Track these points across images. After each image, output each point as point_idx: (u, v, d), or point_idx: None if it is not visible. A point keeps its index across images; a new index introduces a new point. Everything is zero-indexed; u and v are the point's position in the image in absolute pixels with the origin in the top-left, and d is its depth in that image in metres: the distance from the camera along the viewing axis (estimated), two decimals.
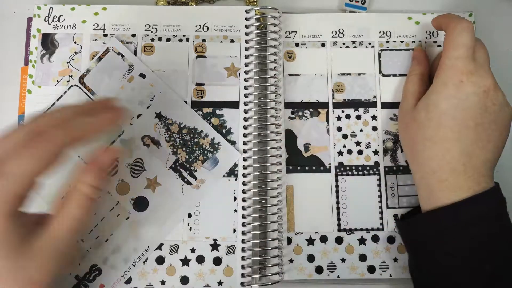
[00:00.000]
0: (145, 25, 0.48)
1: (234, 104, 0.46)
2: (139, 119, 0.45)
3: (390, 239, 0.44)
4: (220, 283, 0.43)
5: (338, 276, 0.44)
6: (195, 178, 0.45)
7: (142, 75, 0.46)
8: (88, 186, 0.32)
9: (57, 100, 0.45)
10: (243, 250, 0.44)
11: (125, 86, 0.46)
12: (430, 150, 0.38)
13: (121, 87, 0.46)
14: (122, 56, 0.46)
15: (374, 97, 0.47)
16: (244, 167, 0.45)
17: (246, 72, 0.47)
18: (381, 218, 0.45)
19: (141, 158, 0.45)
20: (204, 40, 0.47)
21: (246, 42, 0.47)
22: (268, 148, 0.45)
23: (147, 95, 0.46)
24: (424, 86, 0.42)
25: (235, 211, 0.44)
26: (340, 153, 0.46)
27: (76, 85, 0.46)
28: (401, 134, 0.44)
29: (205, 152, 0.45)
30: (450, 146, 0.36)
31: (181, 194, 0.44)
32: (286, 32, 0.48)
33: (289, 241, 0.44)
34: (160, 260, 0.43)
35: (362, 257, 0.44)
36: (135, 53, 0.47)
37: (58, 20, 0.47)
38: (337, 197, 0.45)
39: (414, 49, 0.46)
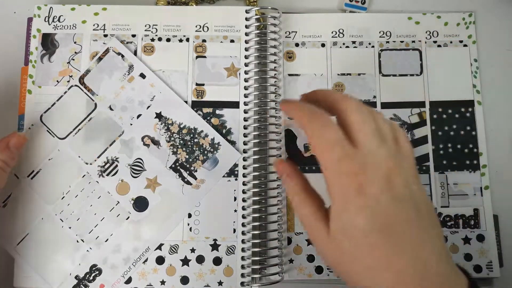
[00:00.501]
0: (145, 25, 0.48)
1: (234, 104, 0.46)
2: (139, 119, 0.45)
3: None
4: (220, 283, 0.43)
5: (338, 276, 0.44)
6: (195, 178, 0.45)
7: (142, 75, 0.46)
8: None
9: (57, 100, 0.45)
10: (243, 250, 0.44)
11: (125, 86, 0.46)
12: (380, 283, 0.28)
13: (121, 87, 0.46)
14: (122, 56, 0.46)
15: (374, 97, 0.47)
16: (244, 167, 0.45)
17: (246, 72, 0.47)
18: None
19: (141, 158, 0.45)
20: (204, 40, 0.47)
21: (246, 42, 0.47)
22: (268, 148, 0.45)
23: (147, 95, 0.46)
24: (314, 195, 0.33)
25: (235, 211, 0.44)
26: None
27: (76, 85, 0.46)
28: (333, 267, 0.32)
29: (205, 152, 0.45)
30: (400, 266, 0.28)
31: (181, 194, 0.44)
32: (286, 32, 0.48)
33: (289, 241, 0.44)
34: (160, 260, 0.43)
35: None
36: (135, 53, 0.47)
37: (58, 20, 0.47)
38: None
39: (275, 164, 0.34)
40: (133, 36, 0.47)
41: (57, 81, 0.46)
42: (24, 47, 0.48)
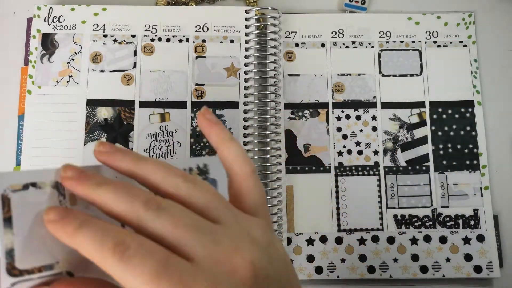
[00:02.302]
0: (145, 26, 0.48)
1: (234, 104, 0.46)
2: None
3: (390, 240, 0.44)
4: None
5: (338, 277, 0.44)
6: None
7: None
8: None
9: None
10: None
11: None
12: None
13: None
14: None
15: (374, 97, 0.47)
16: None
17: (246, 72, 0.47)
18: (381, 219, 0.45)
19: None
20: (204, 41, 0.47)
21: (246, 42, 0.47)
22: (268, 148, 0.45)
23: None
24: None
25: None
26: (340, 153, 0.46)
27: None
28: None
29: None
30: None
31: None
32: (286, 33, 0.48)
33: (289, 241, 0.44)
34: None
35: (362, 258, 0.44)
36: (135, 53, 0.47)
37: (58, 20, 0.47)
38: (337, 197, 0.45)
39: None
40: (133, 36, 0.47)
41: (57, 81, 0.46)
42: (24, 47, 0.48)
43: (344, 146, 0.46)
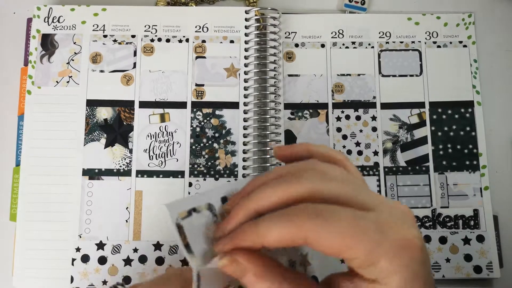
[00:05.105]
0: (145, 26, 0.48)
1: (234, 105, 0.46)
2: None
3: None
4: None
5: None
6: None
7: None
8: None
9: None
10: None
11: None
12: None
13: None
14: None
15: (374, 97, 0.47)
16: (244, 167, 0.45)
17: (245, 73, 0.47)
18: None
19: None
20: (203, 41, 0.47)
21: (246, 42, 0.47)
22: (268, 148, 0.45)
23: None
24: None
25: None
26: None
27: None
28: None
29: None
30: None
31: None
32: (285, 33, 0.48)
33: None
34: (159, 261, 0.43)
35: None
36: (134, 53, 0.47)
37: (58, 20, 0.47)
38: None
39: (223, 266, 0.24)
40: (133, 36, 0.47)
41: (57, 81, 0.46)
42: (24, 48, 0.48)
43: (344, 147, 0.46)
